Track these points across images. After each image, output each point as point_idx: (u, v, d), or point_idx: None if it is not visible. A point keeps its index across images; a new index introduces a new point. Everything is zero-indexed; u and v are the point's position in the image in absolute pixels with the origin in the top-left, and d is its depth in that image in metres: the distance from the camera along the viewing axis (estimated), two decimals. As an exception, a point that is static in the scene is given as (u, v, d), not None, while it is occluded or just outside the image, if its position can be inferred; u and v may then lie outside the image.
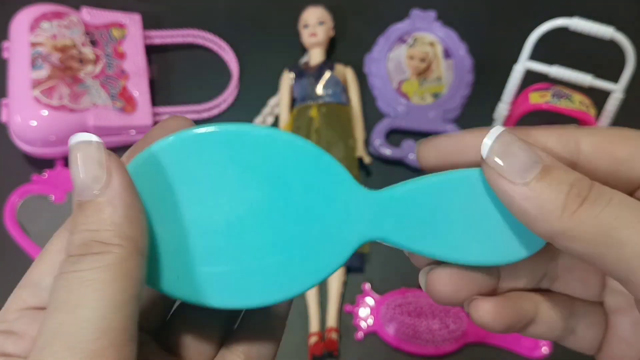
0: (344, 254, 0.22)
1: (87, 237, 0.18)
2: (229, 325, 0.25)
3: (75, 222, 0.19)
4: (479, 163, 0.21)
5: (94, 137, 0.19)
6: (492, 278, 0.23)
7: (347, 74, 0.61)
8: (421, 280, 0.23)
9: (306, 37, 0.61)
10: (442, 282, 0.22)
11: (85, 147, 0.19)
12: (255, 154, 0.21)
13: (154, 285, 0.21)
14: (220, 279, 0.21)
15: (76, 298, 0.18)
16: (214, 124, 0.21)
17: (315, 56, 0.60)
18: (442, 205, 0.22)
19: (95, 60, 0.58)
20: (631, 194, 0.20)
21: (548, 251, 0.23)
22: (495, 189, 0.20)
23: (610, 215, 0.18)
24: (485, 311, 0.22)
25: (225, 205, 0.21)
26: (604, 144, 0.20)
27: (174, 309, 0.25)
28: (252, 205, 0.21)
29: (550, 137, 0.21)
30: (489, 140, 0.20)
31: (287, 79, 0.60)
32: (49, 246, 0.22)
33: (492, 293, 0.23)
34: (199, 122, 0.62)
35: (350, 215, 0.21)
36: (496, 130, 0.20)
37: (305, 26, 0.61)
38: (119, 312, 0.18)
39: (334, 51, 0.64)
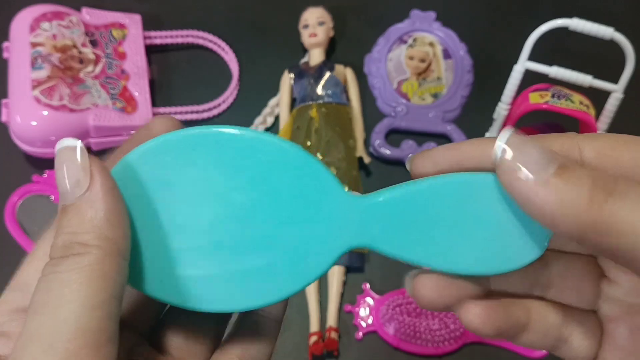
0: (328, 260, 0.21)
1: (68, 239, 0.19)
2: (223, 326, 0.25)
3: (58, 225, 0.19)
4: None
5: (77, 142, 0.20)
6: (481, 285, 0.23)
7: (347, 74, 0.61)
8: (407, 285, 0.23)
9: (306, 37, 0.61)
10: (428, 288, 0.22)
11: (68, 152, 0.19)
12: (241, 156, 0.21)
13: (138, 287, 0.21)
14: (204, 282, 0.21)
15: (54, 299, 0.18)
16: (199, 127, 0.21)
17: (315, 56, 0.61)
18: (431, 212, 0.21)
19: (96, 61, 0.58)
20: None
21: (540, 259, 0.23)
22: (512, 191, 0.19)
23: None
24: (475, 314, 0.22)
25: (209, 208, 0.21)
26: (607, 150, 0.20)
27: (165, 310, 0.25)
28: (236, 209, 0.21)
29: (552, 145, 0.20)
30: (501, 141, 0.20)
31: (287, 79, 0.60)
32: (36, 250, 0.22)
33: (482, 298, 0.23)
34: (198, 122, 0.62)
35: (335, 221, 0.21)
36: (506, 132, 0.20)
37: (305, 26, 0.61)
38: (96, 312, 0.18)
39: (333, 51, 0.64)
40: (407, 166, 0.23)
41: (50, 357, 0.17)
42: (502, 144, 0.20)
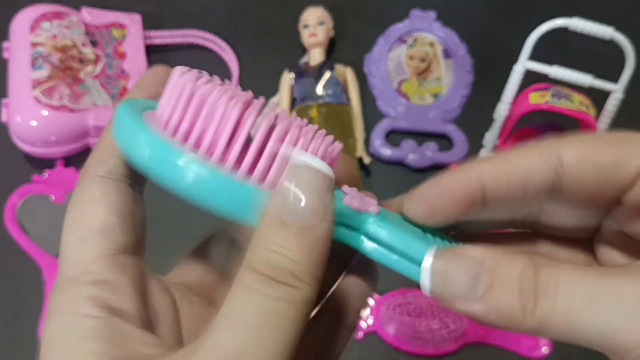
0: None
1: (281, 263, 0.18)
2: None
3: (271, 237, 0.18)
4: (469, 203, 0.21)
5: (327, 168, 0.19)
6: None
7: (347, 74, 0.61)
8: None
9: (306, 37, 0.61)
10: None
11: (316, 175, 0.18)
12: None
13: None
14: None
15: (264, 326, 0.17)
16: None
17: (315, 56, 0.61)
18: None
19: (96, 61, 0.58)
20: (621, 196, 0.20)
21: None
22: (455, 312, 0.20)
23: (563, 306, 0.18)
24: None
25: None
26: (586, 153, 0.20)
27: None
28: None
29: (530, 155, 0.20)
30: (426, 278, 0.20)
31: (287, 79, 0.60)
32: (87, 193, 0.21)
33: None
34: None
35: None
36: (427, 262, 0.20)
37: (305, 26, 0.61)
38: (290, 354, 0.17)
39: (333, 51, 0.64)
40: (403, 210, 0.23)
41: None
42: (426, 280, 0.20)
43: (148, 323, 0.20)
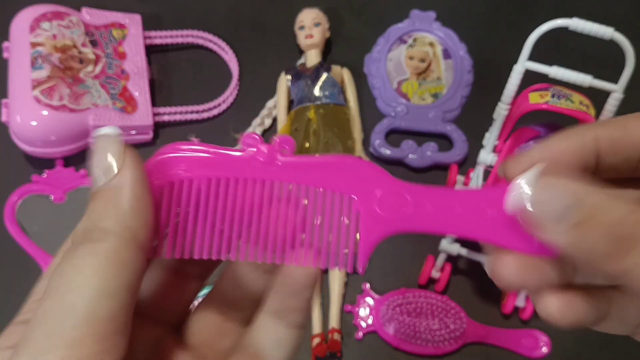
0: None
1: (89, 225, 0.19)
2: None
3: (86, 211, 0.19)
4: (582, 169, 0.20)
5: (114, 130, 0.20)
6: (564, 276, 0.22)
7: (344, 74, 0.61)
8: (487, 266, 0.23)
9: (302, 38, 0.61)
10: (509, 269, 0.21)
11: (103, 139, 0.20)
12: None
13: None
14: None
15: (65, 284, 0.18)
16: None
17: (312, 58, 0.60)
18: None
19: (96, 61, 0.58)
20: None
21: None
22: (539, 237, 0.20)
23: None
24: (555, 307, 0.21)
25: None
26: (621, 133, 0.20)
27: (198, 301, 0.25)
28: None
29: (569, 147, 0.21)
30: (525, 190, 0.19)
31: (284, 81, 0.60)
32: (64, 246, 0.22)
33: (564, 286, 0.22)
34: (199, 123, 0.62)
35: None
36: (532, 176, 0.19)
37: (301, 28, 0.61)
38: (107, 301, 0.17)
39: (330, 52, 0.64)
40: (499, 172, 0.22)
41: (53, 343, 0.17)
42: (526, 190, 0.19)
43: None
